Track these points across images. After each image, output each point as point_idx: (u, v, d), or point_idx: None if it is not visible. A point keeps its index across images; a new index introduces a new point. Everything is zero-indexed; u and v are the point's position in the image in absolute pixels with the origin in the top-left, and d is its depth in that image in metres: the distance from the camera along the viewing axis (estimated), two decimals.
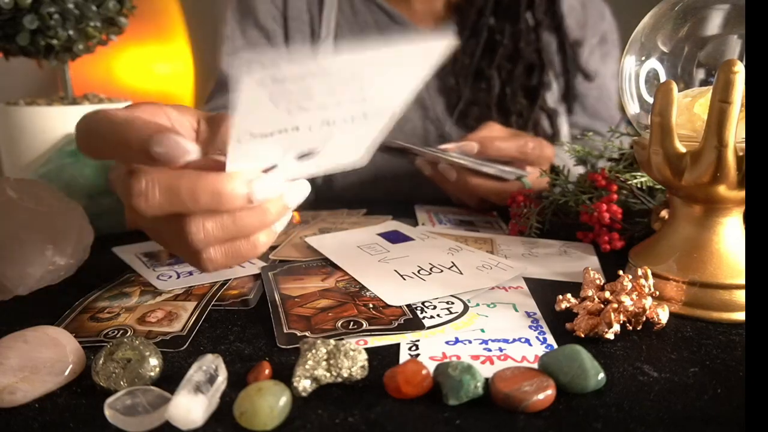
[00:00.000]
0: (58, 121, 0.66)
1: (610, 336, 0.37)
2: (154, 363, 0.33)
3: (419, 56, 0.32)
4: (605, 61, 0.94)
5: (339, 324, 0.40)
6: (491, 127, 0.71)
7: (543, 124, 0.87)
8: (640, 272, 0.41)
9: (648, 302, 0.39)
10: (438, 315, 0.42)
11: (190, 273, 0.49)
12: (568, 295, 0.41)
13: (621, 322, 0.38)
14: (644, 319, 0.39)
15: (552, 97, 0.89)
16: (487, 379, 0.32)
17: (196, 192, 0.34)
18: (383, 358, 0.36)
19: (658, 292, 0.41)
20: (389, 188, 0.83)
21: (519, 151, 0.67)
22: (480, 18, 0.86)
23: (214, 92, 0.91)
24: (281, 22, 0.88)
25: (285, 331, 0.39)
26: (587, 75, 0.91)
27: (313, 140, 0.35)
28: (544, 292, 0.46)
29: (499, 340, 0.38)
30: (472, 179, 0.67)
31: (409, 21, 0.87)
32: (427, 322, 0.40)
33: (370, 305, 0.43)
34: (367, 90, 0.33)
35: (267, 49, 0.87)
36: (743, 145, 0.38)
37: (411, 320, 0.41)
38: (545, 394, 0.31)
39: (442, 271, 0.49)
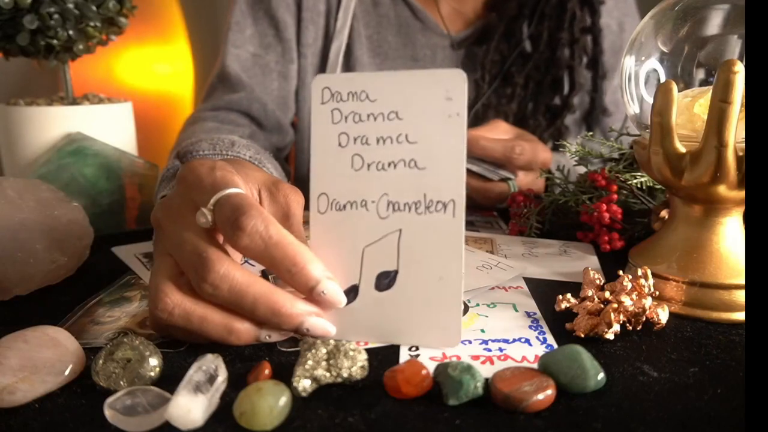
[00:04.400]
0: (58, 121, 0.66)
1: (610, 336, 0.37)
2: (154, 363, 0.33)
3: (432, 84, 0.35)
4: None
5: None
6: (497, 125, 0.70)
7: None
8: (640, 272, 0.41)
9: (648, 302, 0.39)
10: None
11: None
12: (568, 295, 0.41)
13: (621, 322, 0.38)
14: (644, 319, 0.39)
15: (572, 117, 0.85)
16: (487, 379, 0.32)
17: (257, 303, 0.34)
18: (383, 358, 0.36)
19: (658, 292, 0.41)
20: None
21: (504, 154, 0.66)
22: (519, 18, 0.81)
23: (214, 87, 0.82)
24: (294, 12, 0.80)
25: None
26: (605, 111, 0.86)
27: (382, 230, 0.36)
28: (544, 292, 0.46)
29: (499, 340, 0.38)
30: None
31: (432, 18, 0.83)
32: None
33: None
34: (406, 123, 0.36)
35: (275, 42, 0.80)
36: (743, 145, 0.38)
37: None
38: (545, 394, 0.31)
39: None
